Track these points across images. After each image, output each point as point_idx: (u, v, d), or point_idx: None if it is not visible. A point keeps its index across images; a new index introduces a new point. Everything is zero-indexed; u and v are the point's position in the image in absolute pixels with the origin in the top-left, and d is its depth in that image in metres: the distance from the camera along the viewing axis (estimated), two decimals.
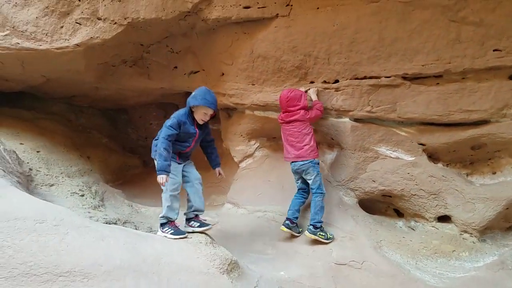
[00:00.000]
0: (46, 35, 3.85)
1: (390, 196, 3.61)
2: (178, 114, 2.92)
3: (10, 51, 3.91)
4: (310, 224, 3.29)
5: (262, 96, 3.99)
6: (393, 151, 3.54)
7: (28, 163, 4.21)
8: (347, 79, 3.55)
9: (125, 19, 3.76)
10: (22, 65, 4.24)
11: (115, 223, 3.71)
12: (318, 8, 3.48)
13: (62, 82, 4.90)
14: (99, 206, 4.17)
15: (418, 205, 3.46)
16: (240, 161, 4.60)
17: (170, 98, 5.86)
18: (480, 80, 3.15)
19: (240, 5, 3.63)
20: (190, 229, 2.91)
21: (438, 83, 3.28)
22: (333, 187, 3.71)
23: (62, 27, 3.85)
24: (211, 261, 2.46)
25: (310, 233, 3.25)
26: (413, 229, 3.51)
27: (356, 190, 3.67)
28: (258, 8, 3.63)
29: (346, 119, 3.61)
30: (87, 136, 6.13)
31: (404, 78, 3.36)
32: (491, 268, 2.97)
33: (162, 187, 2.85)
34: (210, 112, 2.95)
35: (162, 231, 2.81)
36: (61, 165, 4.69)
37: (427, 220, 3.46)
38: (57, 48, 3.88)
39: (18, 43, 3.86)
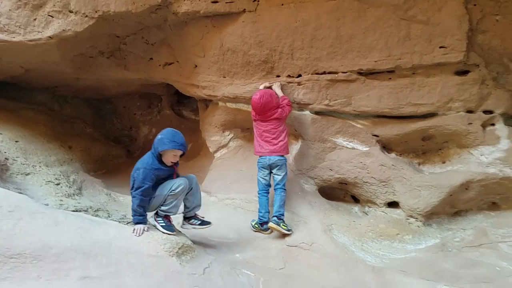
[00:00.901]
0: (20, 27, 3.98)
1: (346, 184, 3.80)
2: (146, 164, 2.75)
3: None
4: (274, 216, 3.40)
5: (232, 88, 4.15)
6: (349, 142, 3.72)
7: (5, 152, 4.37)
8: (308, 74, 3.71)
9: (96, 12, 3.89)
10: None
11: (86, 211, 3.87)
12: (282, 4, 3.62)
13: (42, 73, 5.05)
14: (74, 195, 4.34)
15: (369, 192, 3.66)
16: (215, 151, 4.77)
17: (151, 89, 6.01)
18: (428, 76, 3.31)
19: None
20: (191, 227, 3.01)
21: (390, 78, 3.44)
22: (295, 175, 3.89)
23: (35, 19, 3.98)
24: (161, 245, 2.65)
25: (274, 223, 3.35)
26: (366, 214, 3.71)
27: (315, 178, 3.86)
28: (226, 2, 3.76)
29: (307, 112, 3.78)
30: (71, 126, 6.27)
31: (359, 73, 3.52)
32: (431, 250, 3.18)
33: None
34: (177, 153, 2.79)
35: (155, 219, 2.84)
36: (40, 154, 4.85)
37: (378, 205, 3.67)
38: (30, 40, 4.02)
39: None
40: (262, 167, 3.63)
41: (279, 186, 3.51)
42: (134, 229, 2.70)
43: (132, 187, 2.78)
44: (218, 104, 4.49)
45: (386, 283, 2.84)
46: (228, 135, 4.65)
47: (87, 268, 2.31)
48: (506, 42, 3.13)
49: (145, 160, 2.78)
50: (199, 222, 3.04)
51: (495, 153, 3.24)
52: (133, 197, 2.76)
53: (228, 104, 4.36)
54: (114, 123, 7.09)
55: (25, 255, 2.18)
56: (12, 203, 2.43)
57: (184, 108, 6.59)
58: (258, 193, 3.62)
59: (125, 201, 4.93)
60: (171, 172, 2.89)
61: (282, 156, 3.54)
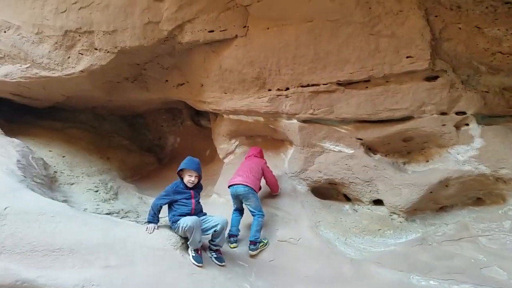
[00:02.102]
0: (57, 65, 4.82)
1: (335, 184, 4.21)
2: (171, 185, 3.53)
3: (32, 79, 4.95)
4: (251, 242, 3.64)
5: (233, 103, 4.71)
6: (336, 146, 4.12)
7: (54, 166, 5.27)
8: (294, 87, 4.17)
9: (116, 47, 4.62)
10: (43, 88, 5.28)
11: (118, 213, 4.65)
12: (268, 28, 4.12)
13: (79, 98, 5.93)
14: (109, 199, 5.14)
15: (356, 191, 4.04)
16: (224, 158, 5.37)
17: (172, 104, 6.72)
18: (401, 83, 3.64)
19: (205, 29, 4.35)
20: (209, 255, 3.47)
21: (366, 87, 3.81)
22: (288, 178, 4.37)
23: (69, 57, 4.80)
24: (167, 240, 3.28)
25: (253, 250, 3.61)
26: (356, 211, 4.09)
27: (306, 180, 4.30)
28: (220, 31, 4.34)
29: (294, 121, 4.24)
30: (109, 140, 7.18)
31: (339, 84, 3.91)
32: (411, 244, 3.52)
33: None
34: (192, 173, 3.48)
35: (190, 251, 3.32)
36: (82, 166, 5.73)
37: (364, 203, 4.05)
38: (66, 75, 4.84)
39: (37, 73, 4.87)
40: (232, 197, 4.00)
41: (255, 213, 3.79)
42: (146, 227, 3.36)
43: None
44: (224, 117, 5.06)
45: (361, 273, 3.25)
46: (234, 142, 5.23)
47: (108, 259, 2.99)
48: (472, 48, 3.39)
49: (173, 182, 3.58)
50: (216, 257, 3.44)
51: (470, 152, 3.51)
52: (151, 204, 3.50)
53: (231, 116, 4.92)
54: (146, 135, 7.93)
55: (63, 249, 2.91)
56: (54, 210, 3.18)
57: (202, 119, 7.26)
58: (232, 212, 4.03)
59: None
60: (189, 195, 3.51)
61: (248, 186, 3.80)
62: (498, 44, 3.26)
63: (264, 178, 4.11)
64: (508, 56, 3.28)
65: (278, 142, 4.89)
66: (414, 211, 3.77)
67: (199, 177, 3.57)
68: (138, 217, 4.90)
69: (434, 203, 3.80)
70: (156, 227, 3.40)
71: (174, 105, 6.72)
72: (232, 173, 5.04)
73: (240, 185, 3.83)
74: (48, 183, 4.58)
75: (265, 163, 4.23)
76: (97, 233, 3.12)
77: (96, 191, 5.20)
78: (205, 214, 3.59)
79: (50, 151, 5.65)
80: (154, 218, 3.46)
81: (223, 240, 3.51)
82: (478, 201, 3.74)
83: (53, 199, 3.96)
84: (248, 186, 3.81)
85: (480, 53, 3.34)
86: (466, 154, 3.51)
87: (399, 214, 3.79)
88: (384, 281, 3.13)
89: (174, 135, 7.62)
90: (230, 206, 4.72)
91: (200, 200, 3.61)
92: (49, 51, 4.80)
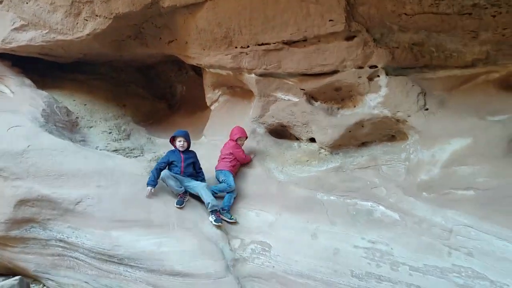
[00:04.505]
0: (69, 30, 5.89)
1: (285, 126, 5.13)
2: (167, 152, 4.71)
3: (51, 42, 6.09)
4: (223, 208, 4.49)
5: (209, 58, 5.58)
6: (286, 95, 4.97)
7: (77, 113, 6.60)
8: (253, 45, 4.96)
9: (111, 14, 5.55)
10: (62, 48, 6.44)
11: (124, 150, 5.93)
12: None
13: (95, 55, 7.06)
14: (120, 140, 6.41)
15: (297, 131, 4.98)
16: (210, 105, 6.38)
17: (173, 57, 7.70)
18: (328, 42, 4.32)
19: None
20: (212, 219, 4.23)
21: (304, 46, 4.52)
22: (251, 122, 5.33)
23: (77, 23, 5.84)
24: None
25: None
26: (300, 147, 5.03)
27: (264, 123, 5.26)
28: None
29: (253, 75, 5.07)
30: (125, 89, 8.39)
31: (284, 43, 4.64)
32: (328, 171, 4.47)
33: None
34: (181, 139, 4.65)
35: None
36: (101, 112, 7.01)
37: (304, 141, 4.98)
38: (77, 38, 5.92)
39: (54, 37, 6.00)
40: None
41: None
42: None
43: None
44: (206, 70, 5.99)
45: (283, 191, 4.34)
46: (217, 92, 6.18)
47: (100, 181, 4.26)
48: (381, 10, 3.94)
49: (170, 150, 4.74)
50: (214, 218, 4.23)
51: (378, 99, 4.24)
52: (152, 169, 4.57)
53: (211, 70, 5.83)
54: (159, 83, 9.05)
55: (68, 174, 4.20)
56: (63, 147, 4.46)
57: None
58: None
59: (160, 142, 6.92)
60: (179, 158, 4.62)
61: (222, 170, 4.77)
62: (402, 7, 3.77)
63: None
64: (411, 17, 3.83)
65: (250, 92, 5.79)
66: (339, 146, 4.65)
67: (188, 142, 4.65)
68: (141, 153, 6.16)
69: (355, 140, 4.64)
70: (152, 190, 4.29)
71: (173, 58, 7.68)
72: (218, 119, 6.12)
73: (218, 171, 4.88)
74: (69, 127, 5.92)
75: (235, 145, 5.00)
76: (93, 163, 4.38)
77: (110, 133, 6.49)
78: (198, 177, 4.62)
79: (74, 100, 6.96)
80: (153, 182, 4.35)
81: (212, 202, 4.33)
82: (392, 138, 4.51)
83: (71, 139, 5.28)
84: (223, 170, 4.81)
85: (389, 14, 3.89)
86: (375, 101, 4.25)
87: (325, 149, 4.71)
88: (297, 196, 4.21)
89: (181, 83, 8.67)
90: (212, 145, 5.86)
91: (192, 163, 4.63)
92: (61, 19, 5.85)
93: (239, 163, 4.95)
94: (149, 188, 4.29)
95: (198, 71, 8.34)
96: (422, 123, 3.91)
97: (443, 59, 4.13)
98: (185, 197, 4.42)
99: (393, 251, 3.44)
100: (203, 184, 4.50)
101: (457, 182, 3.49)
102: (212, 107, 6.35)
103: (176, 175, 4.46)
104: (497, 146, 3.38)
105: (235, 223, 4.34)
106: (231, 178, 4.66)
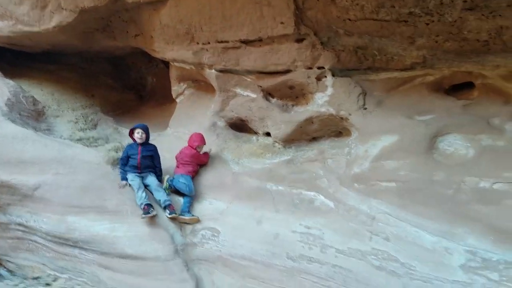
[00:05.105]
0: (36, 21, 5.99)
1: (244, 121, 5.42)
2: (127, 145, 4.92)
3: (18, 33, 6.19)
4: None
5: (173, 53, 5.80)
6: (245, 91, 5.25)
7: (44, 102, 6.69)
8: (213, 42, 5.20)
9: (77, 7, 5.69)
10: (30, 39, 6.53)
11: (87, 139, 6.07)
12: None
13: (63, 46, 7.15)
14: (86, 129, 6.54)
15: (255, 126, 5.28)
16: (176, 98, 6.60)
17: (140, 50, 7.86)
18: (280, 43, 4.61)
19: None
20: (167, 213, 4.43)
21: (260, 45, 4.80)
22: (212, 115, 5.60)
23: (43, 15, 5.94)
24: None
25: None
26: (258, 141, 5.33)
27: (224, 117, 5.54)
28: None
29: (213, 70, 5.33)
30: (95, 80, 8.49)
31: (241, 42, 4.91)
32: (280, 163, 4.80)
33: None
34: (139, 131, 4.85)
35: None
36: (69, 102, 7.12)
37: (260, 135, 5.29)
38: (43, 30, 6.03)
39: (21, 28, 6.09)
40: None
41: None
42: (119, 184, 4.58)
43: None
44: (171, 63, 6.21)
45: (236, 182, 4.64)
46: (183, 85, 6.41)
47: (58, 169, 4.45)
48: (327, 15, 4.24)
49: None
50: (169, 212, 4.43)
51: (324, 98, 4.58)
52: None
53: (175, 63, 6.05)
54: (130, 75, 9.18)
55: (27, 162, 4.38)
56: (23, 135, 4.62)
57: None
58: None
59: (126, 132, 6.96)
60: (136, 150, 4.81)
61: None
62: (346, 12, 4.08)
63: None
64: (354, 22, 4.15)
65: (213, 86, 6.04)
66: (291, 140, 4.98)
67: (146, 135, 4.86)
68: (106, 142, 6.33)
69: (306, 135, 4.98)
70: (126, 184, 4.58)
71: (142, 51, 7.83)
72: (183, 111, 6.34)
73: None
74: (35, 116, 6.02)
75: (195, 153, 5.12)
76: (53, 152, 4.56)
77: (76, 123, 6.62)
78: (154, 171, 4.83)
79: (42, 90, 7.05)
80: (124, 176, 4.67)
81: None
82: (339, 134, 4.87)
83: (36, 128, 5.42)
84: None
85: (334, 19, 4.19)
86: (322, 99, 4.58)
87: (278, 143, 5.04)
88: (249, 186, 4.54)
89: (151, 75, 8.81)
90: (176, 137, 6.09)
91: (150, 156, 4.85)
92: (28, 11, 5.95)
93: (199, 165, 5.21)
94: (124, 182, 4.56)
95: (167, 63, 8.49)
96: (361, 121, 4.28)
97: (385, 62, 4.49)
98: (150, 208, 4.31)
99: (324, 236, 3.80)
100: (155, 183, 4.73)
101: (382, 175, 3.88)
102: (178, 100, 6.57)
103: (136, 174, 4.65)
104: (420, 143, 3.77)
105: (197, 220, 4.56)
106: (191, 184, 4.85)
